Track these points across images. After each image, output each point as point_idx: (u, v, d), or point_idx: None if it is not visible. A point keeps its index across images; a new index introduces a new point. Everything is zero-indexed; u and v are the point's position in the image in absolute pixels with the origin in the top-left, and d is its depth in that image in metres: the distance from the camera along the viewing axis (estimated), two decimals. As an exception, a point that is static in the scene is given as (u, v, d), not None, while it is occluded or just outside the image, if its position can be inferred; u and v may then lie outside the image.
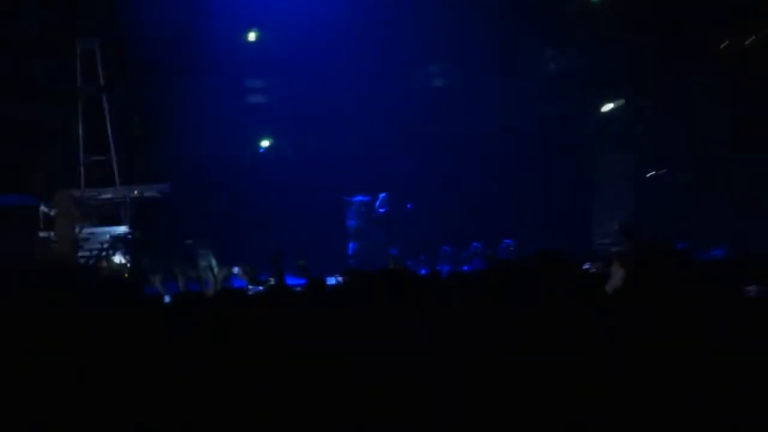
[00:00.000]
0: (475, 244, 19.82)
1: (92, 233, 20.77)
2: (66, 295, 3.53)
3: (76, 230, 20.36)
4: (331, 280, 8.54)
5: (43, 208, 20.19)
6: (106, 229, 20.79)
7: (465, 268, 17.69)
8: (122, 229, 20.73)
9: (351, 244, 21.20)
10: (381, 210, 21.27)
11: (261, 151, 22.98)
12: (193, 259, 18.93)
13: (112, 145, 21.61)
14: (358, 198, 21.31)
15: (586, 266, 8.50)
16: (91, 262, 19.82)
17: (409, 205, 20.77)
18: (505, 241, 19.63)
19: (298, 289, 6.63)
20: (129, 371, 3.55)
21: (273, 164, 22.30)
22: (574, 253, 7.60)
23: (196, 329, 4.02)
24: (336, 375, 3.62)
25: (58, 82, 21.11)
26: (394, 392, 3.43)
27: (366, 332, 3.95)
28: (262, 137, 22.86)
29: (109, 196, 21.36)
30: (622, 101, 21.41)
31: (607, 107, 21.59)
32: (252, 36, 21.97)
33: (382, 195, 21.17)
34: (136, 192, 21.27)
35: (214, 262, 18.26)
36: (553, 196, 20.51)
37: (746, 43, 19.63)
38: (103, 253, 20.25)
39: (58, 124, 21.29)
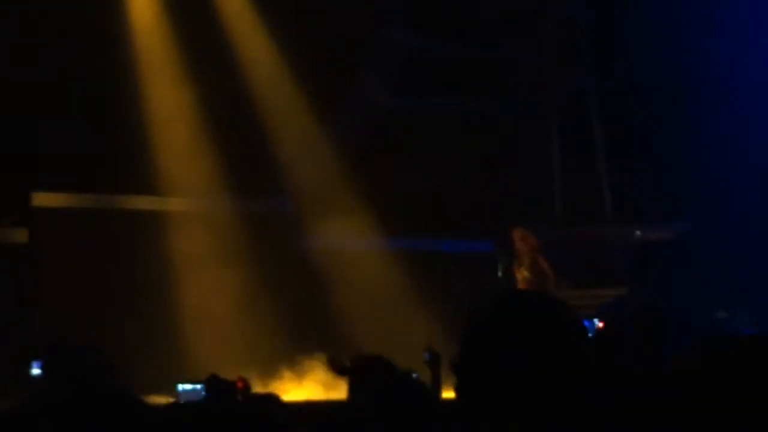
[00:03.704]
0: None
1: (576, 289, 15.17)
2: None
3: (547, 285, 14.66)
4: None
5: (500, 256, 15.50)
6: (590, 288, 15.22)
7: None
8: (613, 290, 14.83)
9: None
10: None
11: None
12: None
13: (599, 163, 16.02)
14: None
15: None
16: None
17: None
18: None
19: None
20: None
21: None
22: None
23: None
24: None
25: (519, 70, 15.75)
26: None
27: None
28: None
29: (595, 236, 16.29)
30: None
31: None
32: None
33: None
34: (637, 232, 16.00)
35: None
36: None
37: None
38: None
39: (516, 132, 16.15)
